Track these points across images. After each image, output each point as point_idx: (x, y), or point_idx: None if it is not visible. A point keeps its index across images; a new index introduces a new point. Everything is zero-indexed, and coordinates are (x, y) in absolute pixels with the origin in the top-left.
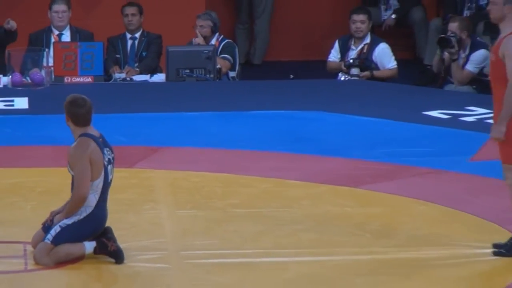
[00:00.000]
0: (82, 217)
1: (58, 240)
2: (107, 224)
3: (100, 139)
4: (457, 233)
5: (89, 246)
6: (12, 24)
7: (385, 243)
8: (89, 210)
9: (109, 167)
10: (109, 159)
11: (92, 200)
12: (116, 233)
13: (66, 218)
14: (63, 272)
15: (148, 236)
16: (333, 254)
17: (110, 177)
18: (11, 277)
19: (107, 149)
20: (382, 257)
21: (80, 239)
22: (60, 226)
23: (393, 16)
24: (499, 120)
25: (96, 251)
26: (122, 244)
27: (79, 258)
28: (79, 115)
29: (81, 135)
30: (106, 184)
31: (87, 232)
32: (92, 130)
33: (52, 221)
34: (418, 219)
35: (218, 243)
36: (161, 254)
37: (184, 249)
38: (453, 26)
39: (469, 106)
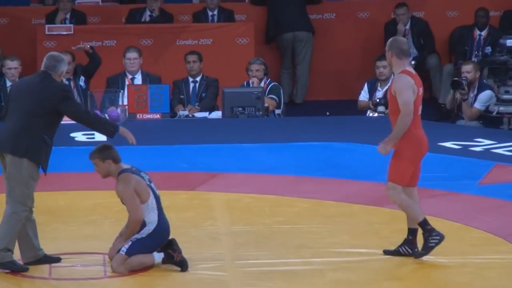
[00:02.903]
0: (150, 231)
1: (131, 251)
2: (173, 236)
3: (133, 169)
4: (468, 245)
5: (158, 256)
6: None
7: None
8: (154, 224)
9: (152, 185)
10: (148, 179)
11: (153, 216)
12: (181, 246)
13: (126, 241)
14: (135, 279)
15: (208, 248)
16: (363, 263)
17: (157, 192)
18: (92, 282)
19: (142, 173)
20: (405, 265)
21: (150, 249)
22: (131, 240)
23: (413, 62)
24: (387, 139)
25: (164, 261)
26: (186, 255)
27: (149, 267)
28: (116, 154)
29: (120, 172)
30: (157, 199)
31: (155, 244)
32: (123, 165)
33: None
34: None
35: (266, 254)
36: (219, 264)
37: (238, 259)
38: (468, 67)
39: (477, 138)
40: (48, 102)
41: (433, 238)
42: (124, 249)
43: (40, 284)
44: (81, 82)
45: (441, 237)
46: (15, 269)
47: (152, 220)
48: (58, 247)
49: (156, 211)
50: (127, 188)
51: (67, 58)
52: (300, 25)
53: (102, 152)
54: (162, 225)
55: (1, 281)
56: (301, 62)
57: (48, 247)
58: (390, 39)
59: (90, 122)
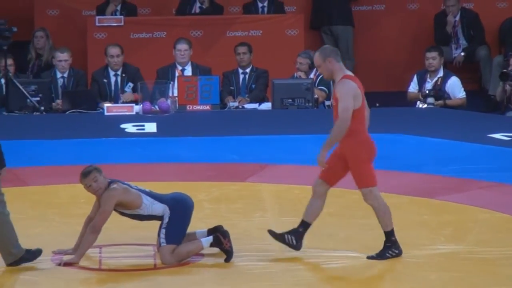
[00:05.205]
0: (169, 214)
1: (170, 238)
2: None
3: (118, 181)
4: None
5: (206, 242)
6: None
7: (457, 245)
8: (167, 209)
9: (138, 187)
10: (135, 186)
11: (159, 206)
12: (232, 237)
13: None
14: (185, 270)
15: (257, 240)
16: (412, 254)
17: (146, 189)
18: (142, 273)
19: (127, 182)
20: (454, 257)
21: (185, 224)
22: (164, 228)
23: (462, 53)
24: (322, 146)
25: (212, 244)
26: (236, 246)
27: (198, 253)
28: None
29: (109, 185)
30: (150, 193)
31: (184, 216)
32: (106, 178)
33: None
34: (484, 224)
35: (315, 245)
36: (269, 255)
37: (287, 251)
38: None
39: None
40: None
41: (393, 251)
42: (163, 240)
43: (89, 275)
44: (127, 88)
45: (399, 253)
46: (34, 258)
47: (161, 209)
48: (109, 238)
49: (157, 201)
50: (108, 201)
51: (115, 51)
52: (337, 19)
53: (96, 168)
54: (173, 201)
55: (48, 271)
56: (343, 55)
57: (99, 238)
58: (319, 51)
59: None
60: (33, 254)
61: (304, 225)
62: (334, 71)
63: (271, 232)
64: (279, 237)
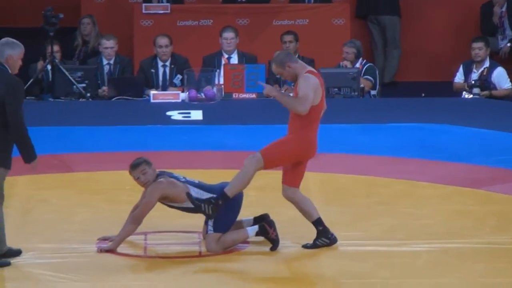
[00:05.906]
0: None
1: (218, 227)
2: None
3: (166, 173)
4: None
5: (251, 231)
6: None
7: (502, 236)
8: None
9: (187, 179)
10: (183, 177)
11: (208, 197)
12: (277, 225)
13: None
14: (229, 257)
15: (302, 228)
16: (458, 244)
17: (195, 180)
18: (187, 260)
19: (175, 175)
20: (499, 247)
21: (234, 214)
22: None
23: (509, 44)
24: (280, 94)
25: (258, 234)
26: (281, 235)
27: (243, 242)
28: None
29: (157, 177)
30: (198, 185)
31: (234, 207)
32: (156, 170)
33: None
34: None
35: (361, 234)
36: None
37: None
38: None
39: None
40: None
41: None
42: (210, 228)
43: (135, 262)
44: (176, 80)
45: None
46: (15, 255)
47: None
48: (154, 226)
49: (206, 192)
50: (153, 193)
51: (164, 41)
52: (384, 9)
53: (145, 160)
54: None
55: (93, 257)
56: (389, 45)
57: (143, 225)
58: (273, 62)
59: (18, 133)
60: (14, 253)
61: (318, 222)
62: (297, 72)
63: (304, 246)
64: (313, 246)
